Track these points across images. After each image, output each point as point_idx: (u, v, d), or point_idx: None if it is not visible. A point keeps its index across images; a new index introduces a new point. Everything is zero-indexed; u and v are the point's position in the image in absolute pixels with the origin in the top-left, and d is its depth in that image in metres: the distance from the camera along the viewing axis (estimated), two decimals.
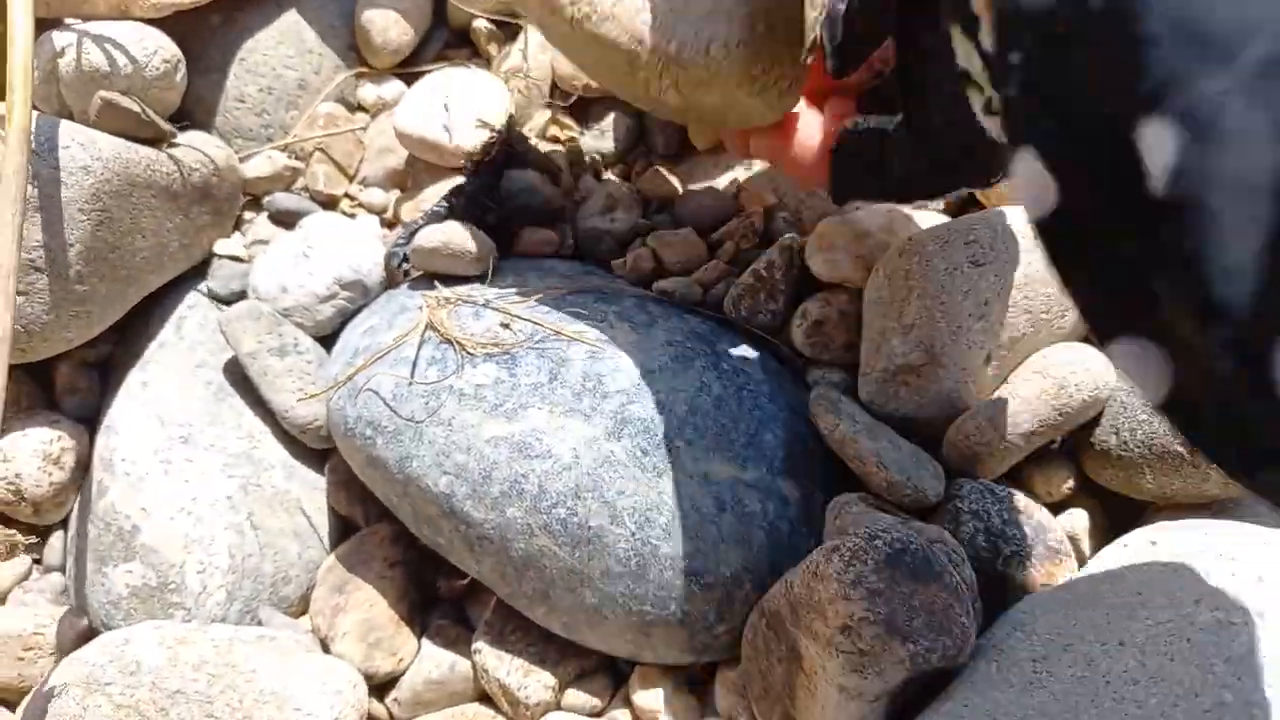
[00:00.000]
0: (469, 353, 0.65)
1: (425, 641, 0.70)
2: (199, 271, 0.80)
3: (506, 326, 0.66)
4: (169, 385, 0.74)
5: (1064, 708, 0.51)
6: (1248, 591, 0.51)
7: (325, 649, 0.69)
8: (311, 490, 0.75)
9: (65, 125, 0.67)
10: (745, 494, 0.64)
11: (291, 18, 0.87)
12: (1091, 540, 0.64)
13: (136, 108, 0.73)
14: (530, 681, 0.66)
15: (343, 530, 0.76)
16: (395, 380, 0.65)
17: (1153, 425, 0.60)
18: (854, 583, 0.55)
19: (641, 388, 0.64)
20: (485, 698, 0.68)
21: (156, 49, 0.76)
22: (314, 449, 0.75)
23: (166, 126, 0.76)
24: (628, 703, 0.67)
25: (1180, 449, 0.58)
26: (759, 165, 0.81)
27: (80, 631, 0.69)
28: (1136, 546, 0.57)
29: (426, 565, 0.72)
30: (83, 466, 0.74)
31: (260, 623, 0.69)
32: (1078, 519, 0.64)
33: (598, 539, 0.61)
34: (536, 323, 0.67)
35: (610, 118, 0.86)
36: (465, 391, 0.64)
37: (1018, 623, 0.57)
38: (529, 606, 0.65)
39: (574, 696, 0.67)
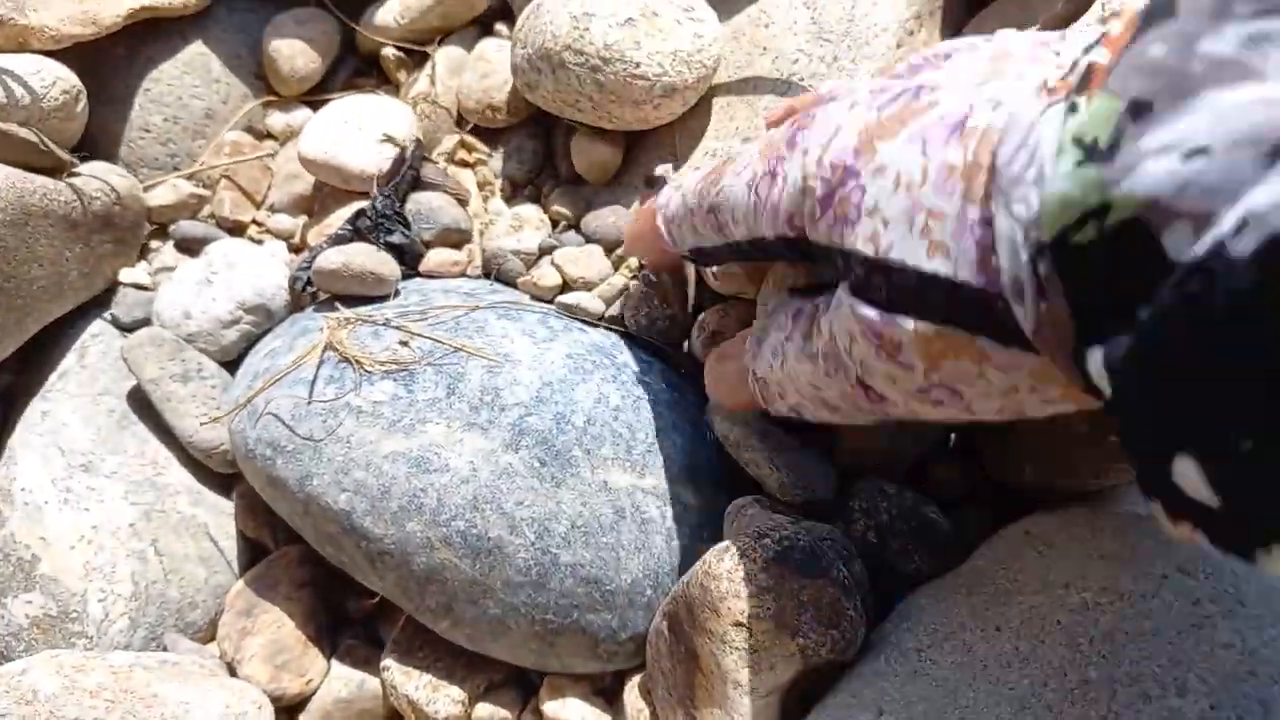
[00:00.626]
0: (367, 370, 0.65)
1: (335, 661, 0.70)
2: (103, 300, 0.80)
3: (405, 344, 0.67)
4: (70, 414, 0.73)
5: (944, 693, 0.52)
6: (1111, 573, 0.53)
7: (232, 672, 0.68)
8: (219, 515, 0.75)
9: None
10: (644, 501, 0.65)
11: (197, 48, 0.87)
12: (978, 533, 0.66)
13: (35, 138, 0.73)
14: (439, 696, 0.66)
15: (252, 554, 0.75)
16: (294, 400, 0.66)
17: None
18: (745, 579, 0.56)
19: (539, 400, 0.65)
20: (395, 715, 0.68)
21: (55, 80, 0.76)
22: (220, 474, 0.75)
23: (66, 156, 0.76)
24: (538, 713, 0.67)
25: (1051, 444, 0.60)
26: (658, 186, 0.83)
27: None
28: (1012, 536, 0.59)
29: (336, 585, 0.72)
30: None
31: (165, 649, 0.69)
32: (967, 515, 0.66)
33: (498, 550, 0.62)
34: (435, 339, 0.67)
35: (517, 141, 0.88)
36: (363, 409, 0.64)
37: (905, 614, 0.59)
38: (434, 620, 0.65)
39: (483, 709, 0.67)
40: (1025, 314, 0.34)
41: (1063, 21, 0.82)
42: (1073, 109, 0.31)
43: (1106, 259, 0.29)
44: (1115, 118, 0.29)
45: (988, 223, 0.35)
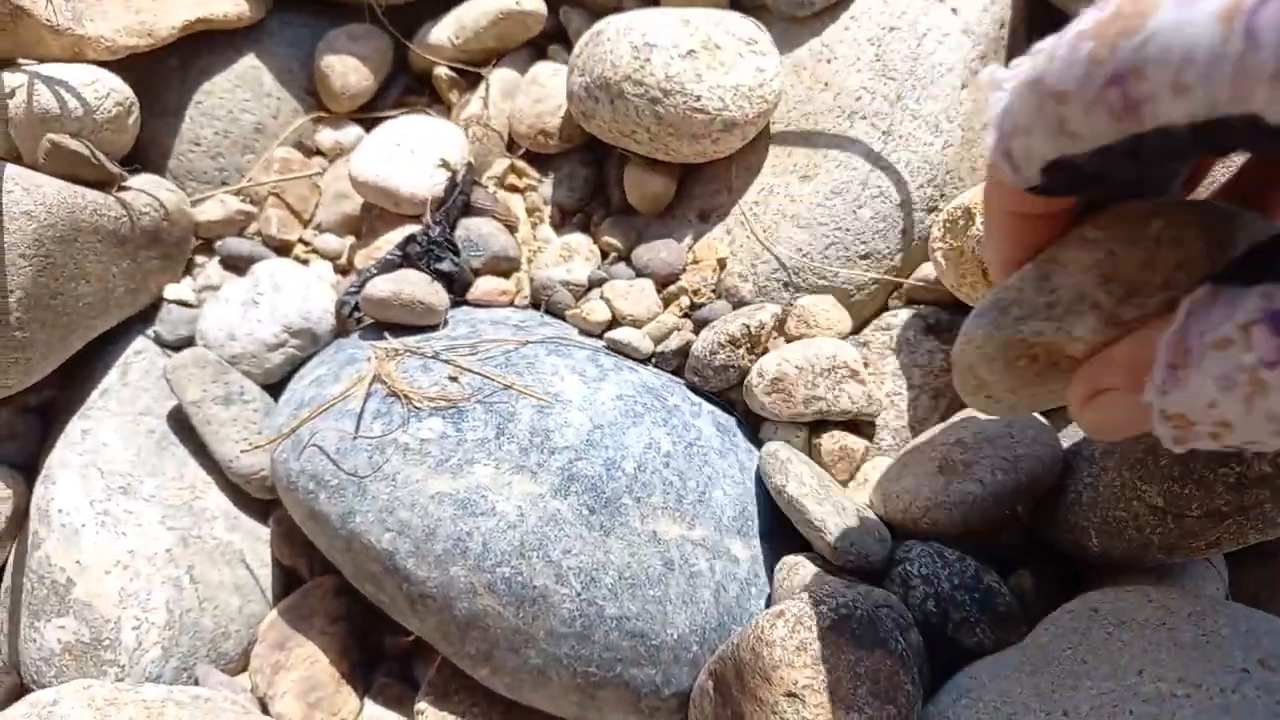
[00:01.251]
0: (415, 406, 0.64)
1: (368, 700, 0.68)
2: (147, 316, 0.79)
3: (455, 380, 0.65)
4: (111, 433, 0.72)
5: None
6: (1187, 661, 0.50)
7: (264, 708, 0.67)
8: (255, 542, 0.74)
9: (9, 169, 0.66)
10: (693, 553, 0.63)
11: (250, 61, 0.86)
12: (1039, 601, 0.63)
13: (86, 151, 0.72)
14: None
15: (286, 582, 0.74)
16: (339, 434, 0.64)
17: (1096, 489, 0.60)
18: (799, 648, 0.54)
19: (590, 444, 0.64)
20: None
21: (109, 92, 0.75)
22: (258, 499, 0.74)
23: (116, 169, 0.75)
24: None
25: (1123, 513, 0.58)
26: (713, 220, 0.81)
27: (9, 688, 0.67)
28: (1080, 612, 0.56)
29: (371, 620, 0.71)
30: (19, 516, 0.72)
31: (197, 681, 0.67)
32: (1024, 580, 0.64)
33: (542, 599, 0.60)
34: (486, 376, 0.66)
35: (569, 168, 0.86)
36: (410, 446, 0.63)
37: (964, 689, 0.57)
38: (473, 666, 0.64)
39: None
40: None
41: None
42: None
43: None
44: None
45: None
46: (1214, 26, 0.26)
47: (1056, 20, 0.84)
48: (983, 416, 0.66)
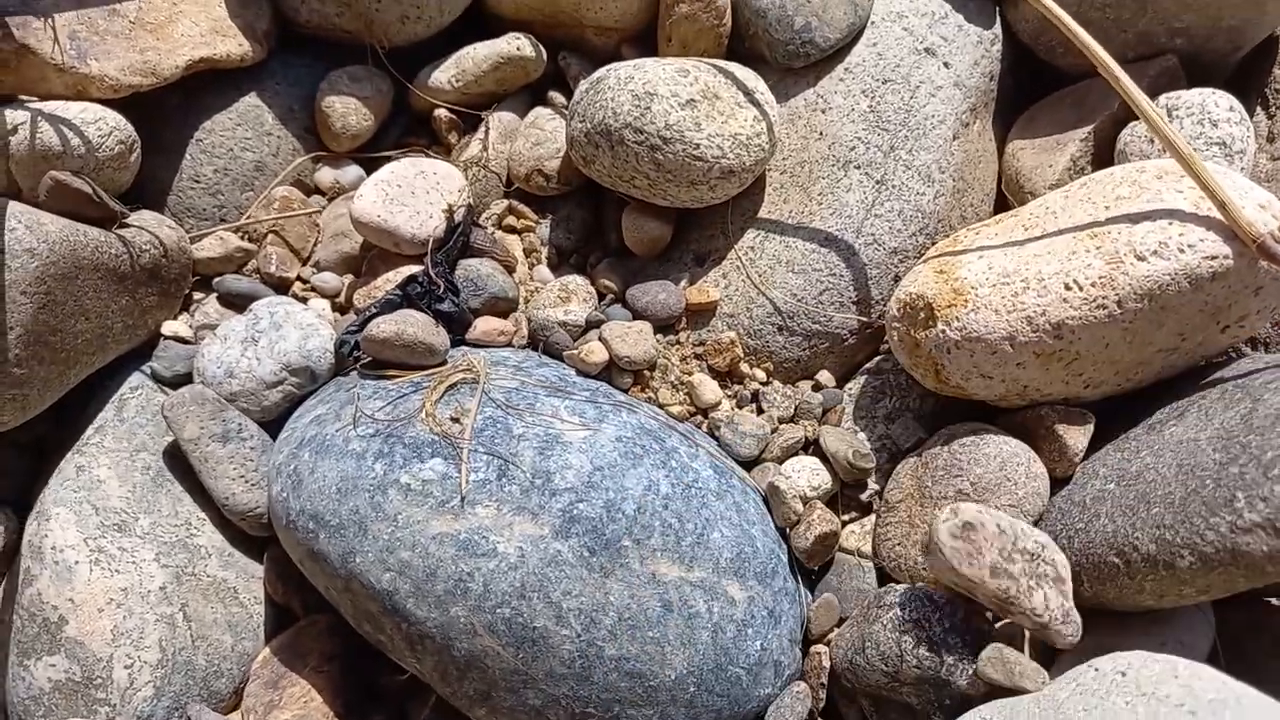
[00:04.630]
0: (438, 431, 0.64)
1: None
2: (144, 352, 0.79)
3: (456, 420, 0.66)
4: (106, 469, 0.72)
5: None
6: None
7: None
8: (249, 579, 0.73)
9: (12, 206, 0.66)
10: (691, 594, 0.63)
11: (251, 100, 0.87)
12: (1031, 649, 0.64)
13: (88, 188, 0.73)
14: None
15: (279, 620, 0.74)
16: (340, 473, 0.64)
17: (1088, 534, 0.61)
18: None
19: (590, 486, 0.64)
20: None
21: (112, 130, 0.76)
22: (252, 536, 0.74)
23: (117, 206, 0.75)
24: None
25: (1115, 559, 0.59)
26: (708, 264, 0.82)
27: None
28: (1106, 673, 0.55)
29: (366, 659, 0.71)
30: (10, 552, 0.72)
31: None
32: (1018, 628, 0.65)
33: (542, 640, 0.60)
34: (491, 415, 0.66)
35: (567, 210, 0.88)
36: (412, 487, 0.63)
37: None
38: (470, 706, 0.64)
39: None
40: None
41: (1118, 123, 0.82)
42: None
43: None
44: None
45: None
46: None
47: (1043, 73, 0.87)
48: None
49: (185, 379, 0.77)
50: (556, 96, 0.91)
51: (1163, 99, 0.78)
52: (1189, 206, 0.62)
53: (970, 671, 0.59)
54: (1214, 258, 0.60)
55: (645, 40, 0.90)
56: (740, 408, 0.79)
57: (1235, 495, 0.54)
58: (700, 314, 0.81)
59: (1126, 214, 0.63)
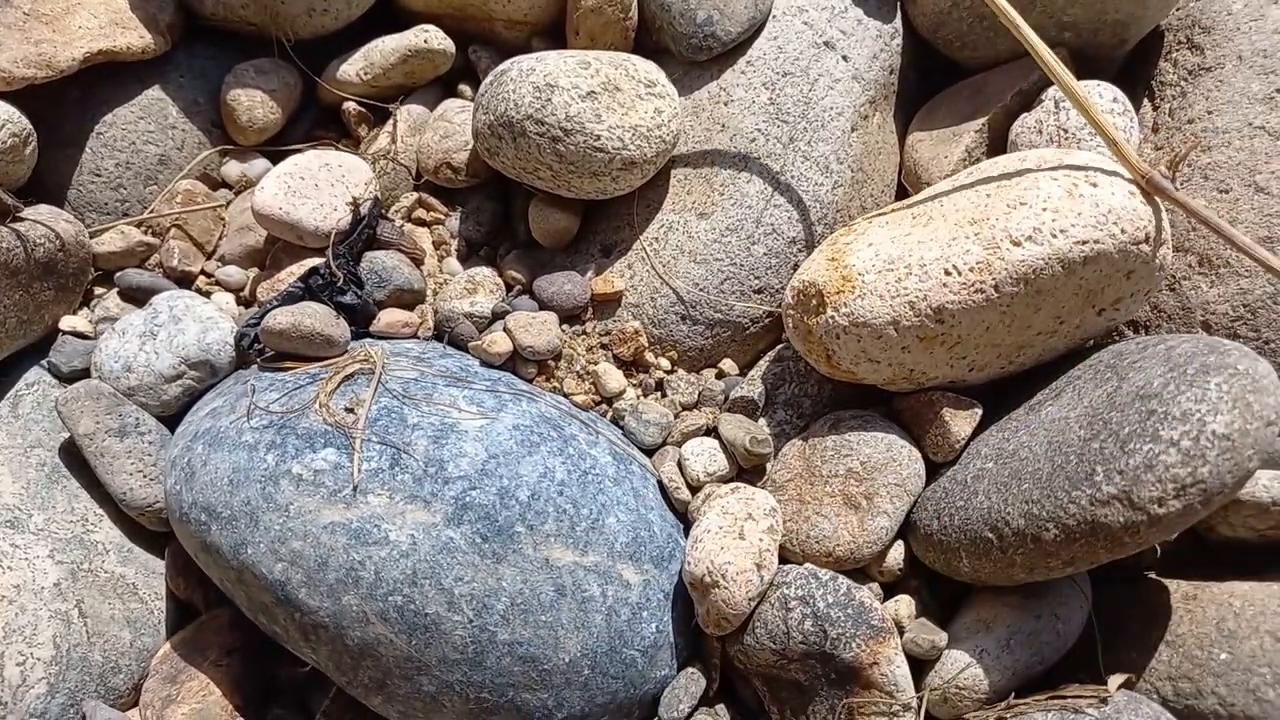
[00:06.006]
0: (330, 420, 0.64)
1: None
2: (42, 347, 0.78)
3: (350, 410, 0.66)
4: None
5: None
6: None
7: None
8: (149, 575, 0.73)
9: None
10: (585, 579, 0.64)
11: (155, 93, 0.86)
12: (916, 618, 0.66)
13: None
14: None
15: (181, 616, 0.73)
16: (232, 465, 0.64)
17: (967, 511, 0.63)
18: None
19: (484, 474, 0.65)
20: None
21: (5, 122, 0.75)
22: (153, 532, 0.73)
23: (11, 200, 0.74)
24: None
25: (989, 534, 0.61)
26: (614, 255, 0.83)
27: None
28: None
29: (267, 653, 0.71)
30: None
31: (85, 717, 0.66)
32: (904, 604, 0.67)
33: (434, 626, 0.61)
34: (385, 403, 0.67)
35: (476, 202, 0.88)
36: (304, 477, 0.63)
37: None
38: (366, 695, 0.64)
39: None
40: None
41: (1010, 115, 0.85)
42: None
43: None
44: None
45: None
46: None
47: (945, 67, 0.89)
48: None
49: (84, 374, 0.76)
50: (466, 89, 0.92)
51: (1052, 90, 0.80)
52: (1063, 193, 0.64)
53: (854, 643, 0.61)
54: (1085, 243, 0.62)
55: (555, 34, 0.91)
56: (645, 396, 0.80)
57: (1095, 469, 0.56)
58: (606, 304, 0.82)
59: (1005, 201, 0.65)
